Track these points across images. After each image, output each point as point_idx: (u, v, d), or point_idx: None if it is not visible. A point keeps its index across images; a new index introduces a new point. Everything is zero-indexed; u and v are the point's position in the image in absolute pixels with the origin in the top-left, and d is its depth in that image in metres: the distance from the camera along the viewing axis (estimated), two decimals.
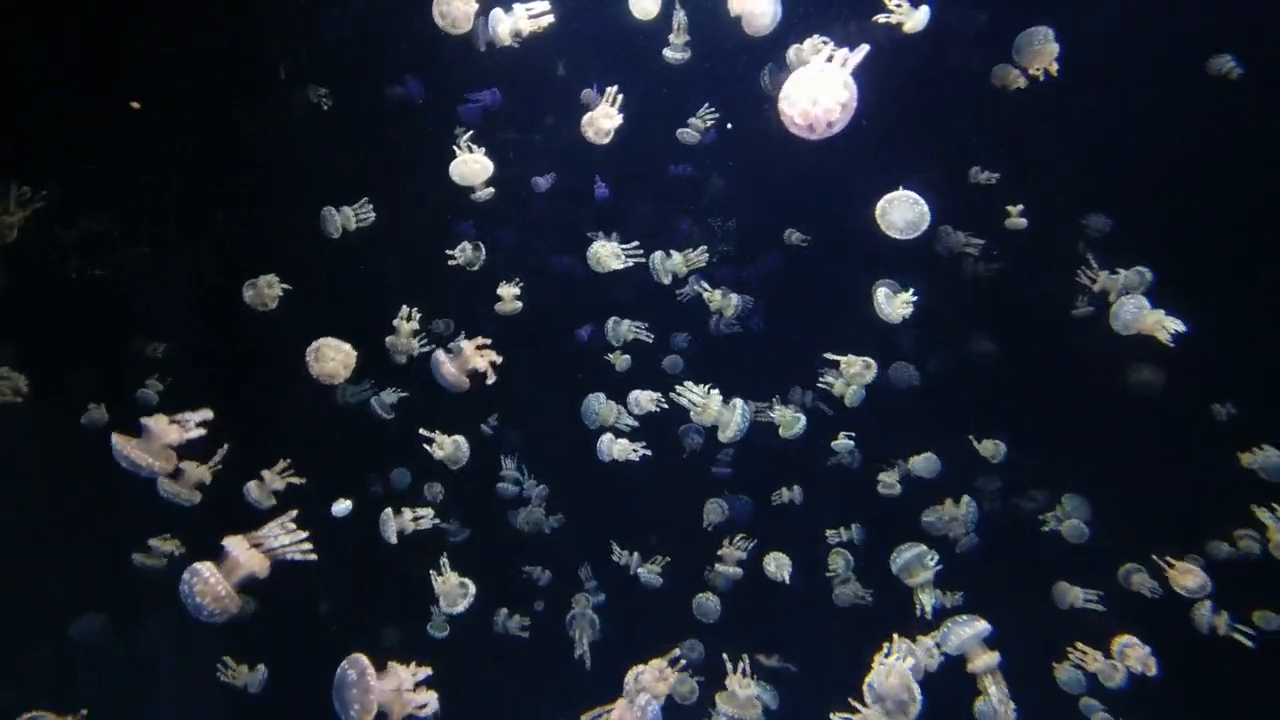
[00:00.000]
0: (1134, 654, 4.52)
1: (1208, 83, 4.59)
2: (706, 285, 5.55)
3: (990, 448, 5.47)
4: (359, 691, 3.23)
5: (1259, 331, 4.95)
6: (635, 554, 5.83)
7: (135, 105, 4.97)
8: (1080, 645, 4.73)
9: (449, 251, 5.23)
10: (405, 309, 4.97)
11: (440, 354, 4.53)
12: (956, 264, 5.44)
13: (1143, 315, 4.42)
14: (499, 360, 4.45)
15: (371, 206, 5.07)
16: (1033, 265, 5.34)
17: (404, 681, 3.32)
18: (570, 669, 5.75)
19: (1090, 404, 5.45)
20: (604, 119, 4.63)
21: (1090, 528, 5.33)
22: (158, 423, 3.61)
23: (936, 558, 4.83)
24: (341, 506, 4.89)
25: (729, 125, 5.31)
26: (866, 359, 5.05)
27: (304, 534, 3.39)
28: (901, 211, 4.36)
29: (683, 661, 3.97)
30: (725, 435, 4.76)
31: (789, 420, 5.21)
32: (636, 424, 5.38)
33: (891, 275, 4.85)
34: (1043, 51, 4.53)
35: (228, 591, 3.31)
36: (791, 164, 4.74)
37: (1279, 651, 4.72)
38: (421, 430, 4.96)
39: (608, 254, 5.21)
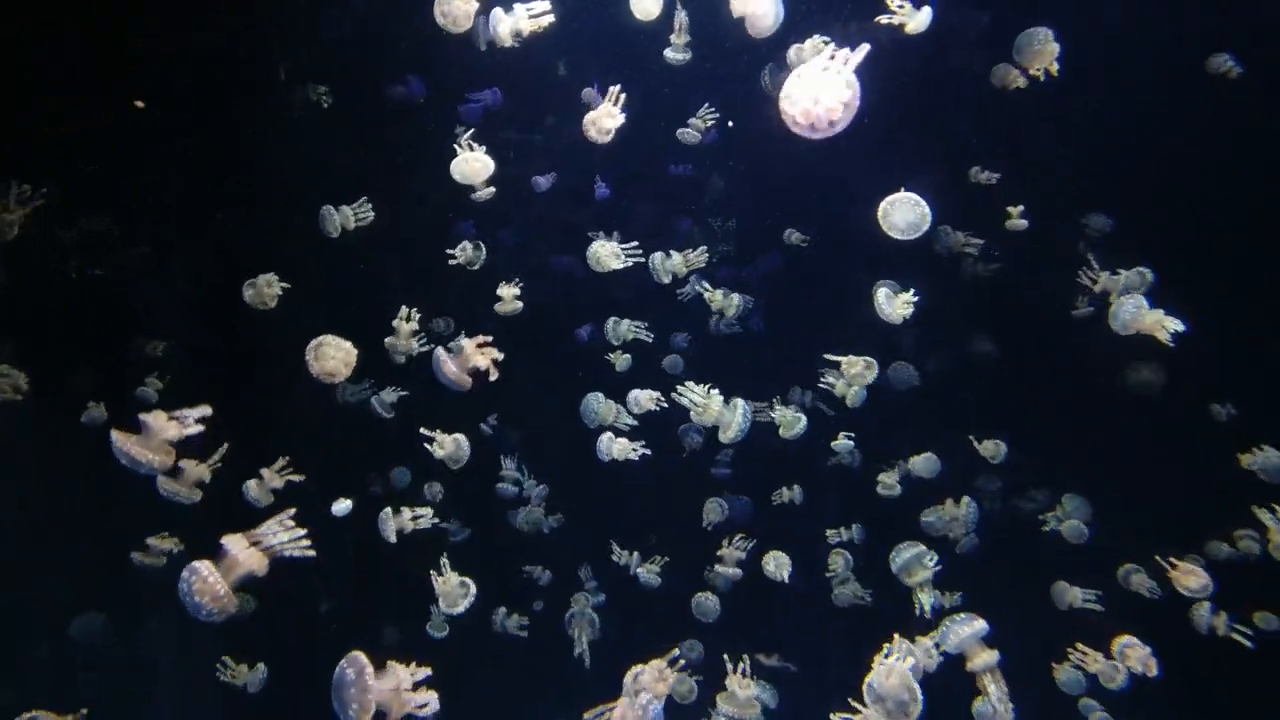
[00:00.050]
0: (1134, 654, 4.51)
1: (1208, 83, 4.59)
2: (708, 285, 5.55)
3: (990, 448, 5.46)
4: (357, 691, 3.22)
5: (1259, 331, 4.94)
6: (635, 554, 5.83)
7: (139, 104, 4.97)
8: (1080, 646, 4.72)
9: (449, 251, 5.22)
10: (405, 309, 4.96)
11: (441, 352, 4.52)
12: (957, 264, 5.44)
13: (1142, 315, 4.42)
14: (500, 357, 4.45)
15: (371, 206, 5.07)
16: (1033, 265, 5.33)
17: (403, 681, 3.30)
18: (570, 668, 5.74)
19: (1090, 404, 5.44)
20: (607, 118, 4.63)
21: (1090, 528, 5.33)
22: (156, 419, 3.63)
23: (935, 558, 4.83)
24: (341, 506, 4.88)
25: (730, 124, 5.31)
26: (867, 359, 5.04)
27: (302, 531, 3.39)
28: (903, 213, 4.36)
29: (682, 661, 3.96)
30: (726, 436, 4.75)
31: (789, 420, 5.21)
32: (636, 423, 5.38)
33: (892, 275, 4.85)
34: (1043, 52, 4.53)
35: (226, 591, 3.30)
36: (791, 164, 4.74)
37: (1279, 652, 4.71)
38: (422, 429, 4.96)
39: (608, 254, 5.20)
